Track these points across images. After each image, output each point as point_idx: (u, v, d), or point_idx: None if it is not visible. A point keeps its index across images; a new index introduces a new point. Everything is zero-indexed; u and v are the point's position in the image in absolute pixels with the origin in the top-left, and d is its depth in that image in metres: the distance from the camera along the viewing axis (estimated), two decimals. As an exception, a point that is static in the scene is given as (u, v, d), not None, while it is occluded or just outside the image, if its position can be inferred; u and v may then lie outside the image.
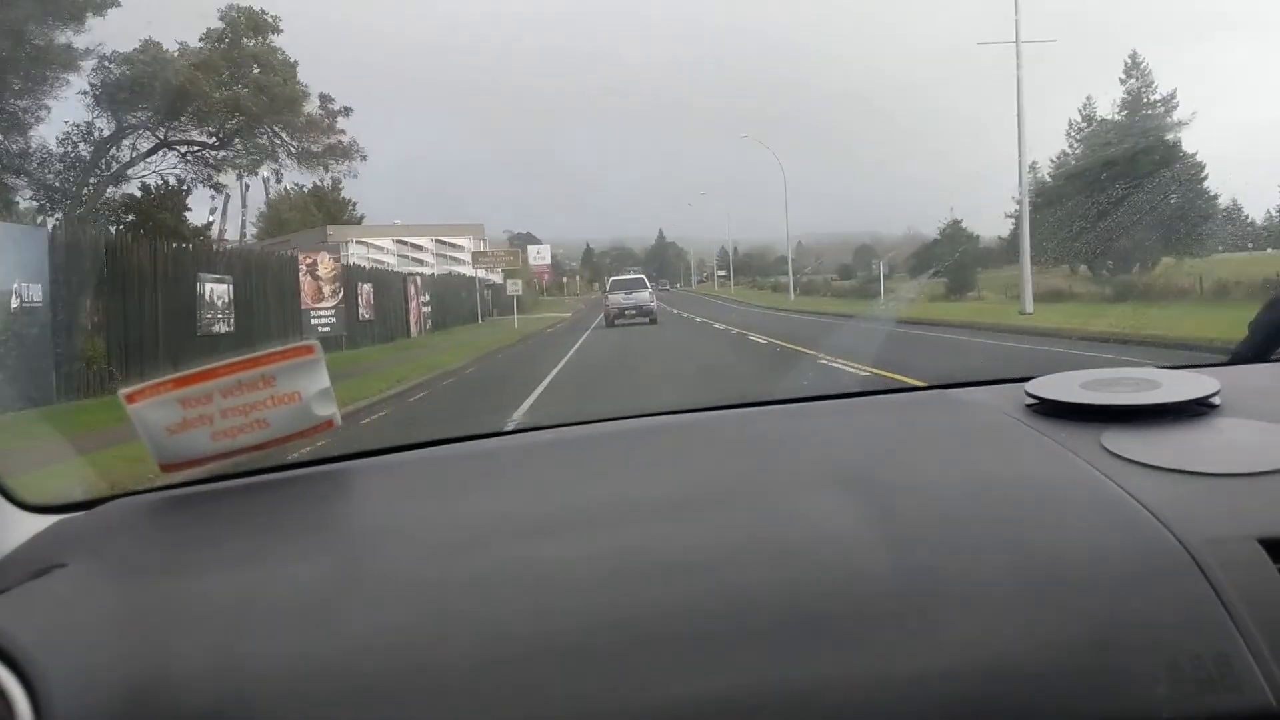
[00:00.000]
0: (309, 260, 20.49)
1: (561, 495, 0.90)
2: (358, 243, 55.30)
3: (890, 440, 0.97)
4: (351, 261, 40.03)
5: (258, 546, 0.84)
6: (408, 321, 28.41)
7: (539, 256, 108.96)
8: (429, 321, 30.67)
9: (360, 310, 23.20)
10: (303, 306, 19.77)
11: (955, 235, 58.79)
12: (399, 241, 59.16)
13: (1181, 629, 0.68)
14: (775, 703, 0.65)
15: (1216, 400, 0.94)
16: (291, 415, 0.92)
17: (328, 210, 61.21)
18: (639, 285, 31.12)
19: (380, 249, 55.20)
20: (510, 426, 1.78)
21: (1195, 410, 0.94)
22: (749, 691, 0.65)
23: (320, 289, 20.61)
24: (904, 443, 0.96)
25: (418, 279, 32.39)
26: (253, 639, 0.70)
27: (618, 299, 29.75)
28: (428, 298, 32.21)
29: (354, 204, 70.22)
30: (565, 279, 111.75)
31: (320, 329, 20.46)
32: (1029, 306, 21.12)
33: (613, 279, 34.79)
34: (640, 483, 0.91)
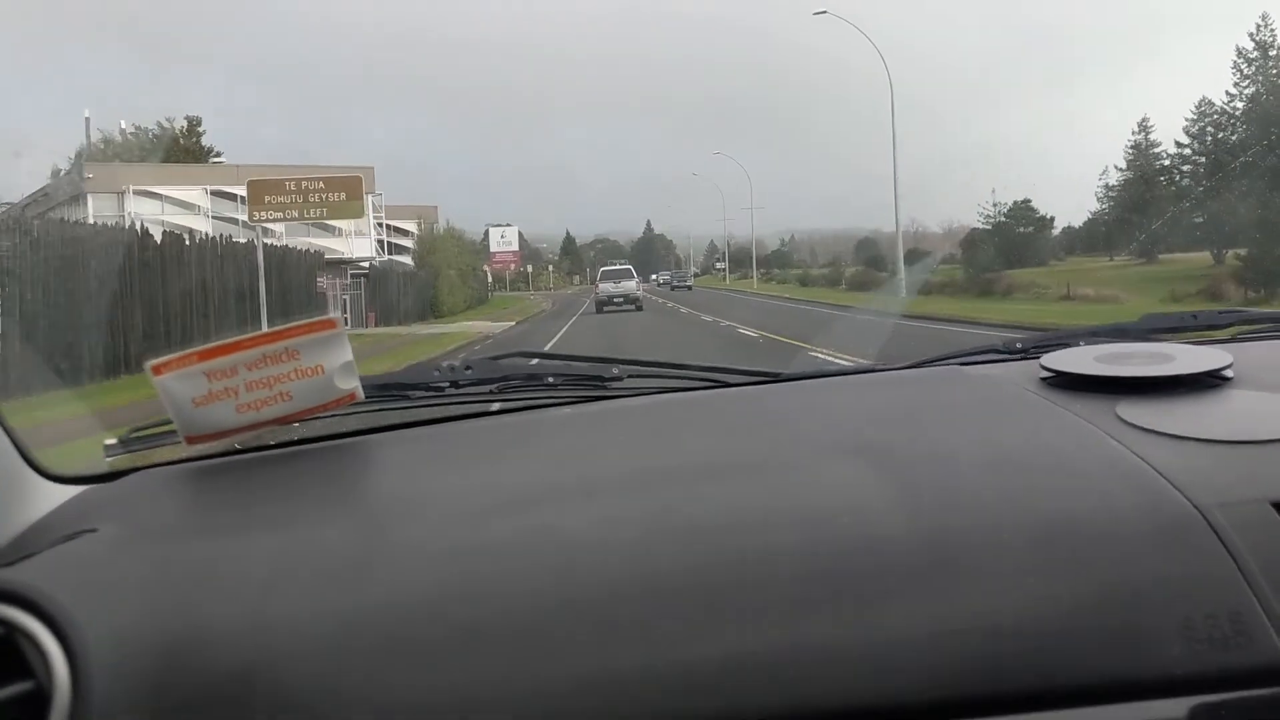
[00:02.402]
0: None
1: (583, 465, 0.98)
2: (139, 193, 34.41)
3: (907, 412, 1.05)
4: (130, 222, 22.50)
5: (286, 512, 0.91)
6: None
7: (503, 241, 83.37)
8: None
9: None
10: None
11: (1020, 216, 47.73)
12: (218, 193, 32.56)
13: (1196, 589, 0.71)
14: (796, 661, 0.69)
15: (1229, 373, 1.01)
16: (315, 388, 0.98)
17: (175, 159, 42.46)
18: (626, 275, 35.32)
19: (187, 205, 34.71)
20: (523, 403, 1.34)
21: (1208, 382, 1.00)
22: (770, 651, 0.70)
23: None
24: (920, 414, 1.03)
25: None
26: (283, 600, 0.75)
27: (607, 287, 33.90)
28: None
29: (216, 153, 43.74)
30: (531, 268, 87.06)
31: None
32: None
33: (602, 269, 38.89)
34: (662, 452, 0.99)
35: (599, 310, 32.75)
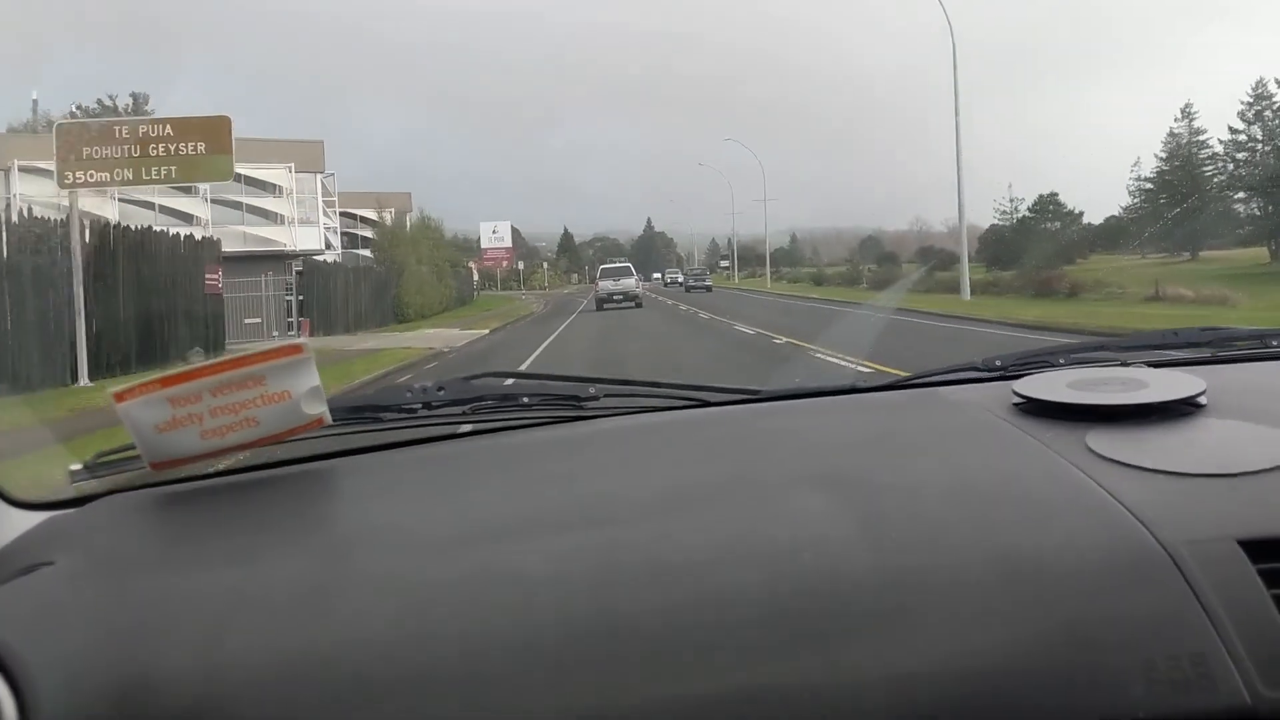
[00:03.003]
0: None
1: (546, 494, 0.98)
2: (26, 170, 28.02)
3: (878, 439, 1.05)
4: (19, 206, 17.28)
5: (245, 544, 0.92)
6: None
7: (495, 237, 76.75)
8: None
9: None
10: None
11: (1046, 211, 44.89)
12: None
13: (1159, 629, 0.72)
14: (757, 704, 0.70)
15: (1203, 400, 1.01)
16: (281, 413, 0.98)
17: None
18: (626, 273, 36.64)
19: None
20: (496, 425, 1.32)
21: (1181, 410, 1.00)
22: (730, 693, 0.70)
23: None
24: (889, 442, 1.04)
25: None
26: (238, 637, 0.75)
27: (607, 285, 35.14)
28: None
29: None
30: (523, 265, 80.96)
31: None
32: None
33: (602, 268, 39.67)
34: (623, 482, 0.99)
35: (599, 308, 33.84)
